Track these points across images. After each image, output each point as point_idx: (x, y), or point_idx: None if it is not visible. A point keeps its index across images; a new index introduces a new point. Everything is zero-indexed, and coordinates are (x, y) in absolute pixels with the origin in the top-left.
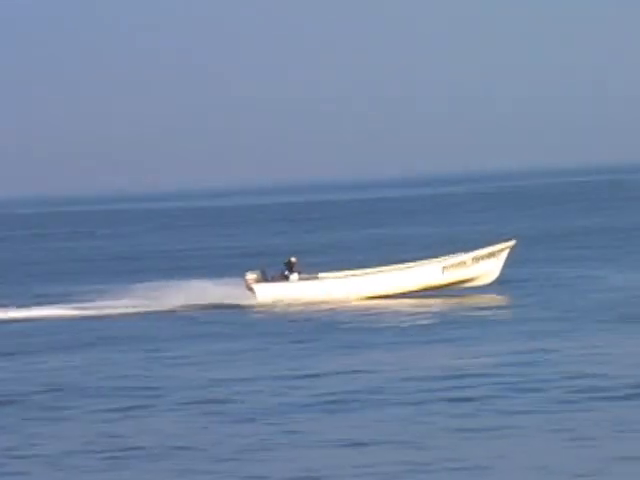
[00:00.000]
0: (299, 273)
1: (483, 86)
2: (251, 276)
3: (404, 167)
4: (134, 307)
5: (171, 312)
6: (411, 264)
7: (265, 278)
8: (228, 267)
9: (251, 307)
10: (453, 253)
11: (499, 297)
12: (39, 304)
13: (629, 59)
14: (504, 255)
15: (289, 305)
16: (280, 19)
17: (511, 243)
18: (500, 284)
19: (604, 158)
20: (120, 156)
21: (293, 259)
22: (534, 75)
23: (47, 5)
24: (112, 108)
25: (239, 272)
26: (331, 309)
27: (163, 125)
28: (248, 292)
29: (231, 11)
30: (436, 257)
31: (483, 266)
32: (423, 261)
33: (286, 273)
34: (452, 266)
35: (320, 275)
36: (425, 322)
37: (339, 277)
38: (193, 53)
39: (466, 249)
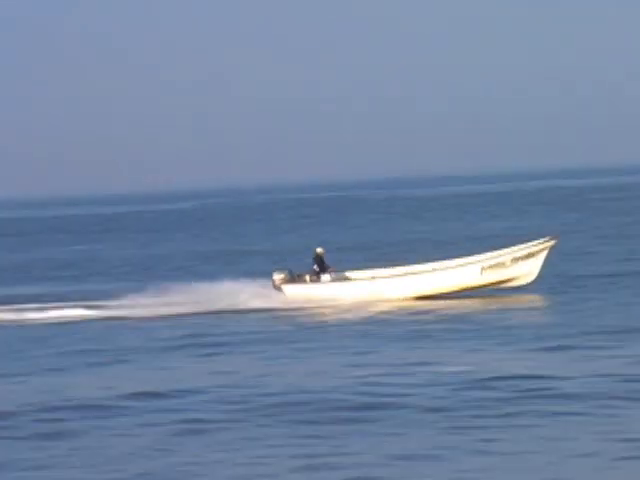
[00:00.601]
0: (329, 270)
1: (483, 86)
2: (278, 276)
3: (404, 167)
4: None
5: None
6: (446, 263)
7: (293, 278)
8: None
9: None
10: (490, 251)
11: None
12: None
13: (629, 59)
14: (543, 255)
15: (321, 306)
16: (280, 19)
17: (551, 242)
18: None
19: (604, 158)
20: (120, 156)
21: (319, 250)
22: (533, 75)
23: (47, 5)
24: (112, 108)
25: None
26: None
27: (163, 125)
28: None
29: (231, 11)
30: (472, 255)
31: (522, 266)
32: (459, 260)
33: (315, 267)
34: (490, 267)
35: (347, 274)
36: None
37: (369, 277)
38: (193, 53)
39: (504, 247)
